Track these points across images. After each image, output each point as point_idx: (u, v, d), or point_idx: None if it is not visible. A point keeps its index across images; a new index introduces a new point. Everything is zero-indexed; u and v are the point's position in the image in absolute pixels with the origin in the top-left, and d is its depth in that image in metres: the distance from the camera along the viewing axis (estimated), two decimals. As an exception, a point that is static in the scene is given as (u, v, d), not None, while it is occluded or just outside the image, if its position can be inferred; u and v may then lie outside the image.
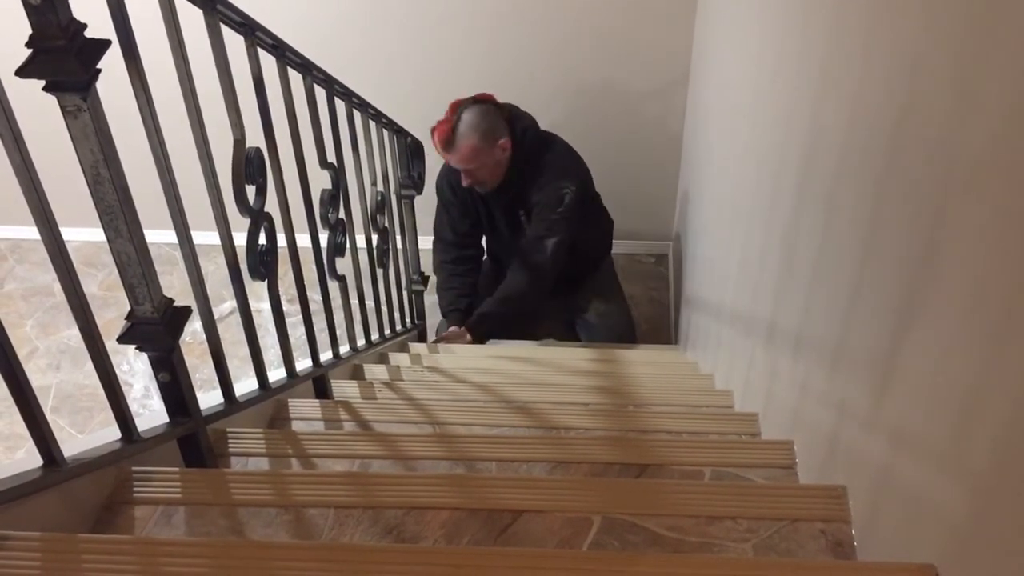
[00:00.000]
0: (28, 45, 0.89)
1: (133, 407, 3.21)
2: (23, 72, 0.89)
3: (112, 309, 3.39)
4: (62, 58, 0.90)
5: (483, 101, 2.64)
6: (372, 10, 3.26)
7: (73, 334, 3.44)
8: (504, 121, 2.68)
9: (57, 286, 4.03)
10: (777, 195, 1.58)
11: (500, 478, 1.25)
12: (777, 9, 1.67)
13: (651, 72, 3.31)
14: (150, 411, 3.19)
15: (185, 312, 1.15)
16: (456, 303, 3.10)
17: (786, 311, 1.49)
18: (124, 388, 3.25)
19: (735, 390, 1.96)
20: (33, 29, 0.89)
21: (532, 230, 2.79)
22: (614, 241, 3.62)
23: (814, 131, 1.32)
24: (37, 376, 3.22)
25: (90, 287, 3.48)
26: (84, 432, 3.10)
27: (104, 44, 0.95)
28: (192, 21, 1.20)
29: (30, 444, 0.95)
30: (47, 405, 3.12)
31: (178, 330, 1.13)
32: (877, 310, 0.98)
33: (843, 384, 1.12)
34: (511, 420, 1.76)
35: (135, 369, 3.28)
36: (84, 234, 3.01)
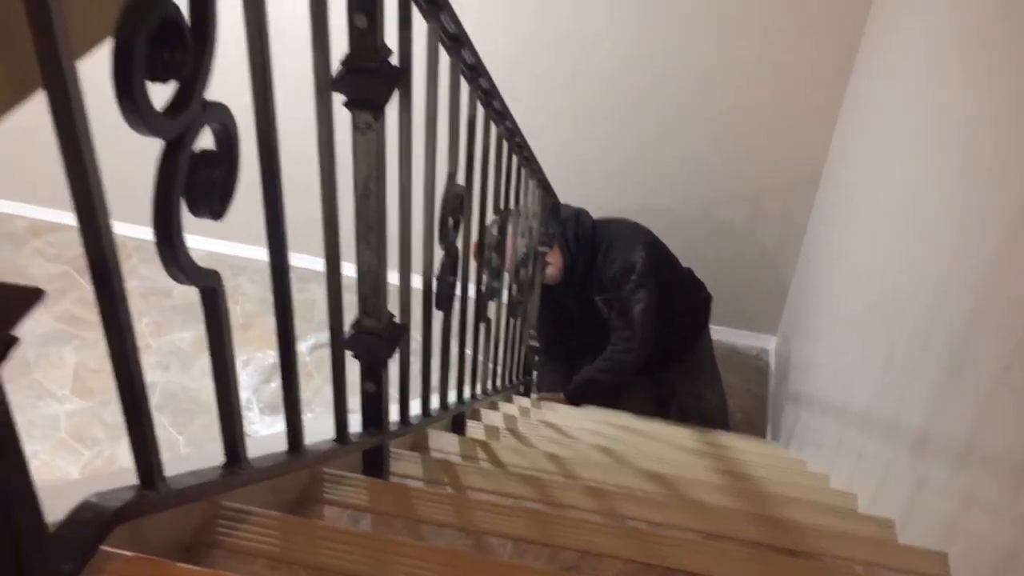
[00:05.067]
0: (344, 63, 0.97)
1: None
2: (336, 86, 0.97)
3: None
4: (371, 79, 0.97)
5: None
6: (532, 78, 3.36)
7: (185, 336, 3.56)
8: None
9: (177, 289, 4.19)
10: (943, 303, 1.59)
11: (678, 539, 1.27)
12: (939, 111, 1.71)
13: (782, 167, 3.36)
14: (248, 421, 3.27)
15: (403, 329, 1.21)
16: (554, 368, 3.18)
17: (947, 419, 1.49)
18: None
19: (859, 493, 1.95)
20: (351, 49, 0.97)
21: (618, 304, 2.87)
22: (715, 327, 3.63)
23: (990, 239, 1.34)
24: (146, 373, 3.32)
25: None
26: (184, 433, 3.17)
27: (400, 71, 1.03)
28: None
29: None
30: (152, 402, 3.21)
31: (395, 344, 1.19)
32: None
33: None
34: (642, 484, 1.77)
35: (240, 381, 3.36)
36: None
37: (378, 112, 1.01)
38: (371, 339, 1.16)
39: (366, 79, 0.97)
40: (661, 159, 3.48)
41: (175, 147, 0.65)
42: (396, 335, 1.19)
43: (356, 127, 1.02)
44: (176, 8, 0.61)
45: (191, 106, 0.65)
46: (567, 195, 3.05)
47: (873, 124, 2.55)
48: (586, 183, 3.46)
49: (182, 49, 0.63)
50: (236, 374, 0.81)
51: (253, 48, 0.74)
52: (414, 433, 1.75)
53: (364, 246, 1.11)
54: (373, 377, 1.21)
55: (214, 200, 0.71)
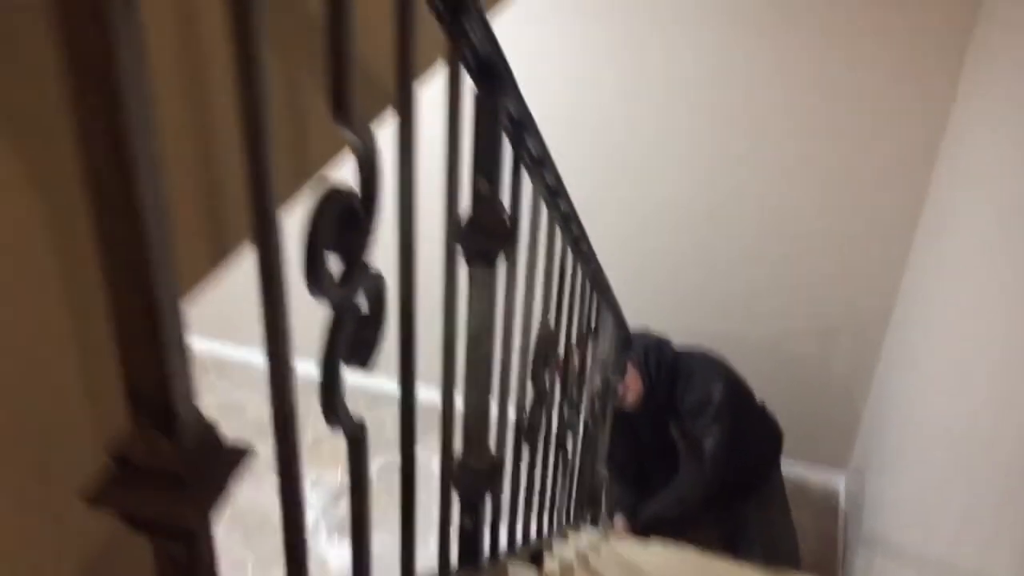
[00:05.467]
0: (468, 224, 1.07)
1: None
2: (460, 243, 1.06)
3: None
4: (491, 238, 1.07)
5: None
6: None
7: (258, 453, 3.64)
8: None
9: (250, 406, 4.32)
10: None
11: None
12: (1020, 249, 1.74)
13: (854, 299, 3.38)
14: (315, 543, 3.32)
15: (500, 466, 1.27)
16: (623, 500, 3.19)
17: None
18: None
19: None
20: (474, 211, 1.07)
21: (689, 434, 2.89)
22: (784, 459, 3.60)
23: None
24: (220, 488, 3.39)
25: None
26: (256, 552, 3.22)
27: (514, 231, 1.13)
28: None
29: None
30: (224, 516, 3.25)
31: (493, 480, 1.24)
32: None
33: None
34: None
35: (309, 501, 3.41)
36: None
37: (493, 268, 1.10)
38: (472, 475, 1.22)
39: (487, 238, 1.07)
40: (731, 288, 3.55)
41: (342, 311, 0.73)
42: (495, 471, 1.25)
43: (473, 281, 1.11)
44: (355, 197, 0.71)
45: (357, 276, 0.74)
46: (638, 322, 3.11)
47: (950, 261, 2.58)
48: (656, 310, 3.53)
49: (354, 229, 0.72)
50: (370, 523, 0.87)
51: (403, 227, 0.83)
52: (498, 566, 1.78)
53: (472, 388, 1.18)
54: (471, 512, 1.26)
55: (365, 354, 0.80)
